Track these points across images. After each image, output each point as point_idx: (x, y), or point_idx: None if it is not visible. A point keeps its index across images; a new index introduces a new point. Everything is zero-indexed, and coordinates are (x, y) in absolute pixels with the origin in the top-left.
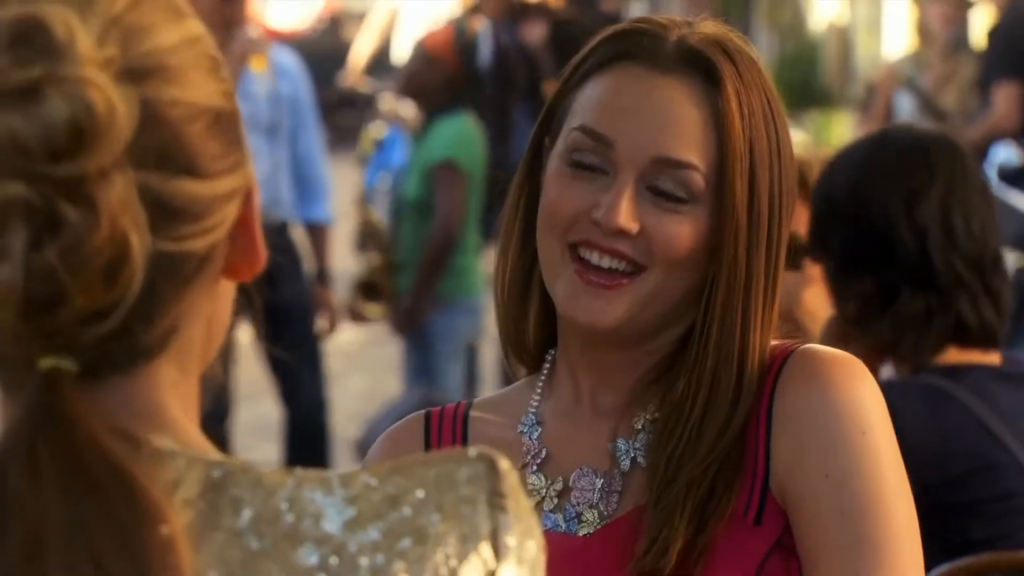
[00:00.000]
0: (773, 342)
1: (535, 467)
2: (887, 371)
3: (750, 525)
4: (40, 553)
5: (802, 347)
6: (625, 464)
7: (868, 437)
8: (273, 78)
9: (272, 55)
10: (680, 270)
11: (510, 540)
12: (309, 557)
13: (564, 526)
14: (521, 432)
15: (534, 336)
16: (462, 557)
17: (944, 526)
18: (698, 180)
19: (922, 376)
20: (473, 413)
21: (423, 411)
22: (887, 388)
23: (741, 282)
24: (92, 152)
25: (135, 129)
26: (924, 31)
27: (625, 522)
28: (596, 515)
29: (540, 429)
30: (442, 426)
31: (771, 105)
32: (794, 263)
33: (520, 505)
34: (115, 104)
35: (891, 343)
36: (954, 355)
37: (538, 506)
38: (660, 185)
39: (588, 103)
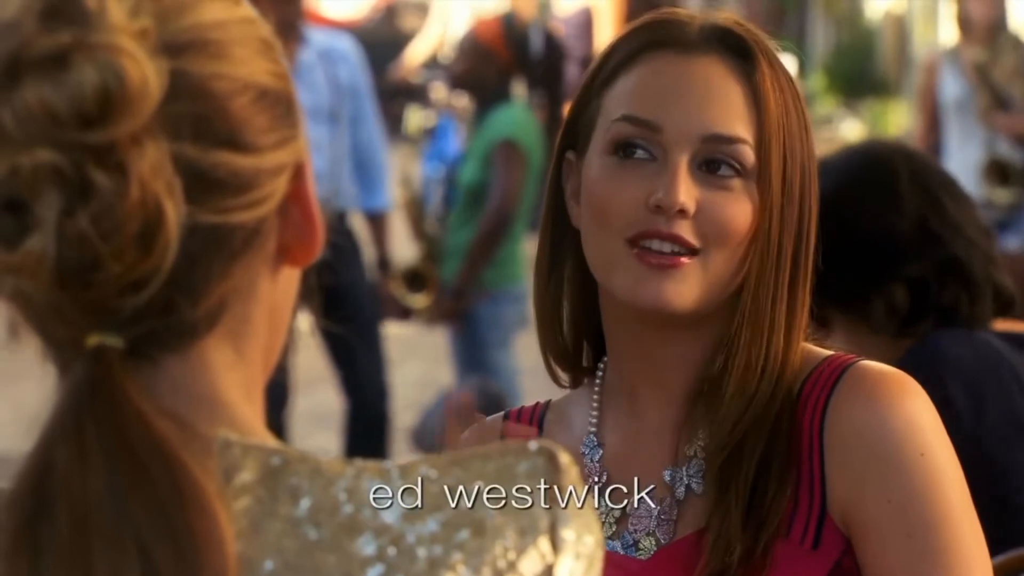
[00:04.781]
0: (826, 351)
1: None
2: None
3: (808, 550)
4: (85, 533)
5: (855, 364)
6: (680, 492)
7: (927, 458)
8: (332, 64)
9: (328, 42)
10: (734, 251)
11: (568, 534)
12: (367, 547)
13: (623, 552)
14: (583, 453)
15: (573, 347)
16: (520, 550)
17: (986, 484)
18: (749, 154)
19: (976, 333)
20: (549, 417)
21: (502, 412)
22: (937, 337)
23: (773, 257)
24: (122, 119)
25: (168, 99)
26: (964, 21)
27: (683, 545)
28: (653, 542)
29: (601, 452)
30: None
31: (795, 88)
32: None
33: (579, 499)
34: (146, 72)
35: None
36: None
37: None
38: (712, 158)
39: (625, 95)
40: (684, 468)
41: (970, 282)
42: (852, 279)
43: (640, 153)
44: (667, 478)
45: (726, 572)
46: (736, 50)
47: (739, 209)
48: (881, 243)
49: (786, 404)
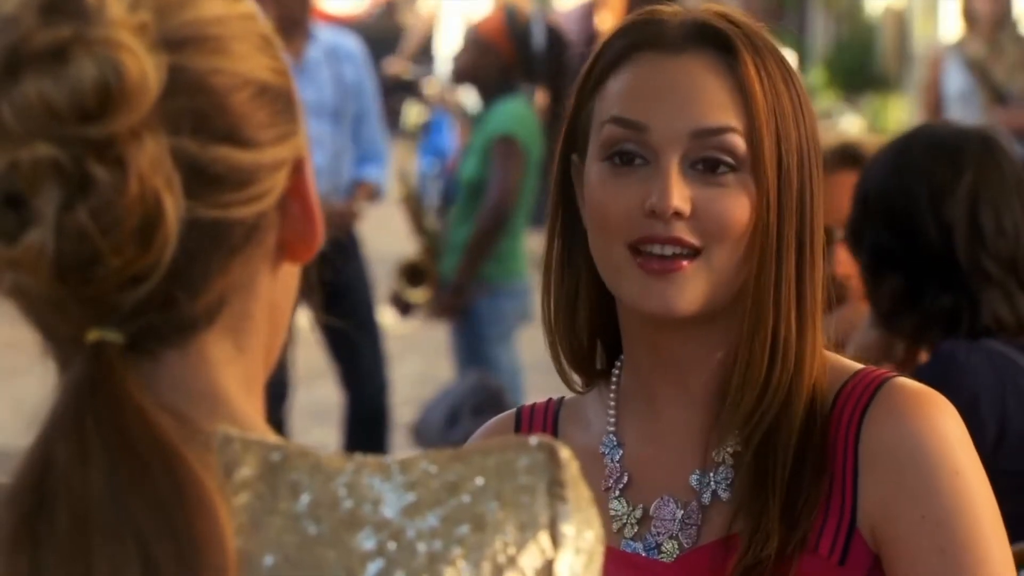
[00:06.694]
0: (856, 365)
1: (617, 492)
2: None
3: (835, 564)
4: (85, 530)
5: (890, 381)
6: (706, 497)
7: (961, 478)
8: (337, 63)
9: (335, 40)
10: (736, 245)
11: (568, 529)
12: (366, 542)
13: (644, 555)
14: (603, 453)
15: (587, 349)
16: (520, 545)
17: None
18: (739, 142)
19: (986, 341)
20: (563, 413)
21: (514, 408)
22: (952, 348)
23: (773, 246)
24: (121, 113)
25: (167, 94)
26: (969, 15)
27: (707, 551)
28: (675, 546)
29: (621, 452)
30: (532, 424)
31: (787, 70)
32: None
33: (579, 495)
34: (144, 66)
35: (918, 339)
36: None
37: (619, 532)
38: (705, 155)
39: (613, 98)
40: (712, 473)
41: (965, 307)
42: (870, 251)
43: (637, 161)
44: (694, 482)
45: (759, 567)
46: (718, 44)
47: (735, 203)
48: (906, 236)
49: (817, 415)
